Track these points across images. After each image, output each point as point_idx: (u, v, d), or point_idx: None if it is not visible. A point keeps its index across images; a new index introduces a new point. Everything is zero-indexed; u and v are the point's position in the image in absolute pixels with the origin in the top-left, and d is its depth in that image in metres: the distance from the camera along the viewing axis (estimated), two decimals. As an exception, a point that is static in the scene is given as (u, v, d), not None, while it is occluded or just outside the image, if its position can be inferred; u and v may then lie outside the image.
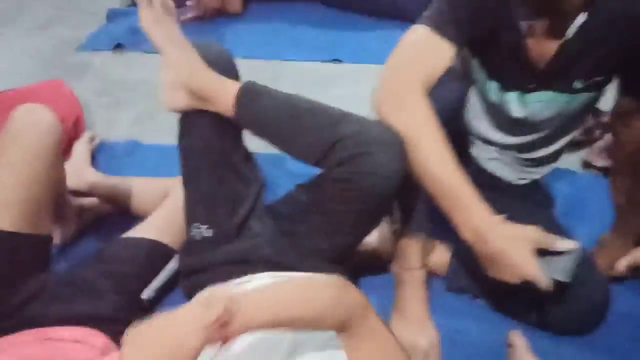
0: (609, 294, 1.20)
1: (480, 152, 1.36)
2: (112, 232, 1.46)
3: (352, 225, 1.12)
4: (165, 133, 1.88)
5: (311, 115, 1.07)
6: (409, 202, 1.19)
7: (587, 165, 1.70)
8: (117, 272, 1.23)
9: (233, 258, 1.17)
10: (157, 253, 1.30)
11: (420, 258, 1.25)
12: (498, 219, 1.02)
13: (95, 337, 1.11)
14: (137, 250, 1.28)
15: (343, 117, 1.05)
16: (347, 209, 1.06)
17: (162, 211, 1.37)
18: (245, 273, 1.15)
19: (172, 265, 1.32)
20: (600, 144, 1.70)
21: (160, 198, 1.45)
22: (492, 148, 1.34)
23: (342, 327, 0.88)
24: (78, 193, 1.53)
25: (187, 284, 1.23)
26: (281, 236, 1.18)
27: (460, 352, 1.21)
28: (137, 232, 1.32)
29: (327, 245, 1.16)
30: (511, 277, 1.02)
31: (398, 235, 1.26)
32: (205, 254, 1.19)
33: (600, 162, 1.67)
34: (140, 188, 1.54)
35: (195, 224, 1.19)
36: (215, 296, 0.77)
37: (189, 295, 1.22)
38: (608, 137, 1.68)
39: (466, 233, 1.03)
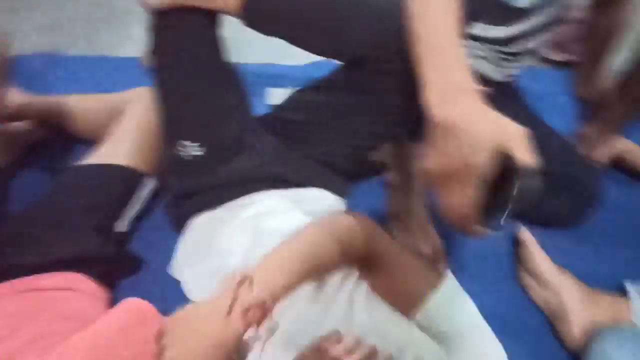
0: (602, 183, 1.23)
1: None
2: (57, 159, 1.27)
3: (388, 124, 1.02)
4: (81, 42, 1.62)
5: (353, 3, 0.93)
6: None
7: (543, 59, 1.70)
8: (90, 205, 1.05)
9: (235, 178, 1.04)
10: (129, 179, 1.14)
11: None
12: (482, 91, 0.78)
13: (80, 282, 0.97)
14: (107, 178, 1.10)
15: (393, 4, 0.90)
16: (394, 104, 0.96)
17: (124, 131, 1.18)
18: (247, 193, 1.04)
19: (145, 192, 1.17)
20: (554, 38, 1.70)
21: (108, 116, 1.25)
22: (478, 45, 1.28)
23: (361, 259, 0.86)
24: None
25: (179, 210, 1.09)
26: (285, 148, 1.07)
27: (465, 254, 1.19)
28: (100, 157, 1.13)
29: (343, 153, 1.07)
30: (452, 162, 0.74)
31: (396, 142, 1.18)
32: (199, 175, 1.04)
33: (556, 55, 1.68)
34: (82, 107, 1.32)
35: (183, 142, 1.03)
36: (228, 279, 0.73)
37: (180, 223, 1.09)
38: (562, 31, 1.68)
39: (432, 93, 0.78)
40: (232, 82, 1.08)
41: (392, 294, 0.87)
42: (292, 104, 1.15)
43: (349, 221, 0.85)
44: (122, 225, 1.11)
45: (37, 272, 0.92)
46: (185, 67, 1.01)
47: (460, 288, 0.92)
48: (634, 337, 1.02)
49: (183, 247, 1.08)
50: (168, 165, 1.09)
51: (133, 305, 0.82)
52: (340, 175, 1.13)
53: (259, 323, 0.71)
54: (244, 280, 0.72)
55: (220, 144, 1.04)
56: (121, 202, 1.12)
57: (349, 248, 0.83)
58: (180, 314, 0.71)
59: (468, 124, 0.74)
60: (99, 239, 1.04)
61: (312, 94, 1.12)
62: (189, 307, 0.73)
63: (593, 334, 1.04)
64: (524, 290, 1.15)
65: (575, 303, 1.09)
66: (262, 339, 0.77)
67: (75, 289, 0.94)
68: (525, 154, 0.70)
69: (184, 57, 1.01)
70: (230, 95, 1.06)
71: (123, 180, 1.12)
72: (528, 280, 1.15)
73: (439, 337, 0.88)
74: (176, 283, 1.07)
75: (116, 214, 1.10)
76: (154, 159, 1.17)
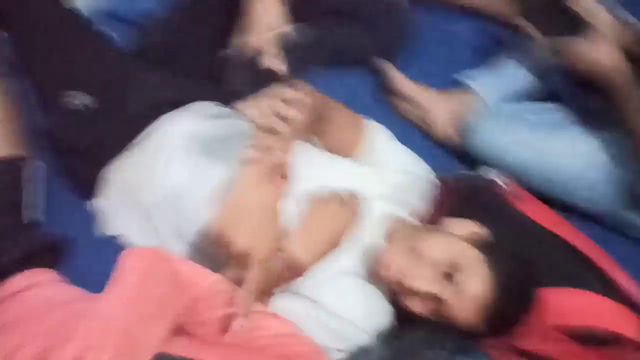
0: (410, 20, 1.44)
1: None
2: None
3: None
4: None
5: None
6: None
7: None
8: None
9: (132, 115, 1.04)
10: (14, 168, 1.05)
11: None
12: None
13: (43, 275, 0.93)
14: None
15: None
16: None
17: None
18: (149, 124, 1.06)
19: (37, 174, 1.08)
20: None
21: None
22: None
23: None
24: None
25: (87, 170, 1.06)
26: (163, 72, 1.10)
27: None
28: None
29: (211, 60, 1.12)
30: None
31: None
32: (97, 122, 1.03)
33: None
34: None
35: (67, 93, 1.00)
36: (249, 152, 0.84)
37: (91, 183, 1.07)
38: None
39: None
40: (83, 25, 1.04)
41: (337, 142, 1.03)
42: (149, 29, 1.15)
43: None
44: (30, 214, 1.04)
45: None
46: (35, 18, 0.96)
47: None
48: (488, 109, 1.30)
49: (112, 201, 1.07)
50: (61, 127, 1.04)
51: (142, 252, 0.83)
52: (215, 83, 1.18)
53: (286, 179, 0.84)
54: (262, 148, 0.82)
55: (103, 86, 1.03)
56: (17, 193, 1.04)
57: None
58: (225, 210, 0.77)
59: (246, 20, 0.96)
60: (23, 237, 0.98)
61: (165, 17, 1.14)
62: (225, 204, 0.80)
63: (461, 123, 1.29)
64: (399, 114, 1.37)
65: (437, 107, 1.33)
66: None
67: (46, 280, 0.90)
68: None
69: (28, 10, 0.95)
70: (90, 36, 1.03)
71: (6, 171, 1.03)
72: (399, 103, 1.36)
73: (375, 164, 1.08)
74: (103, 250, 1.07)
75: (23, 205, 1.03)
76: (22, 140, 1.08)
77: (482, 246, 0.89)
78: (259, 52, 0.92)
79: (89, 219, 1.12)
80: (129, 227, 1.06)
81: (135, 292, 0.78)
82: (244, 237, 0.77)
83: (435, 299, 0.87)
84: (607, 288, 0.99)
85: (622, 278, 1.03)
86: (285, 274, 0.89)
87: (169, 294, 0.80)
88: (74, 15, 1.02)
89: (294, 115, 0.86)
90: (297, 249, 0.88)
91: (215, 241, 0.79)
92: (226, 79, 0.96)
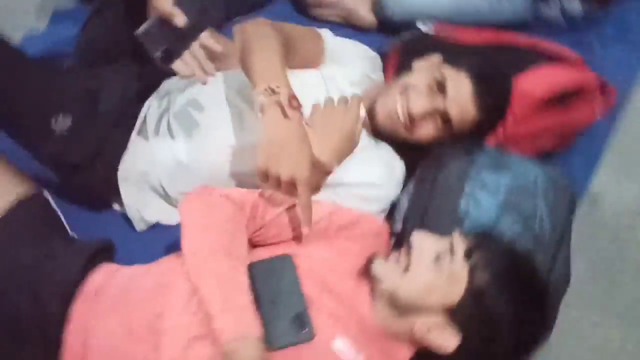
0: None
1: None
2: None
3: None
4: None
5: None
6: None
7: None
8: (34, 247, 1.01)
9: (116, 115, 1.12)
10: (43, 201, 1.11)
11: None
12: None
13: (110, 267, 0.99)
14: (27, 216, 1.05)
15: None
16: None
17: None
18: (135, 117, 1.14)
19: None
20: None
21: None
22: None
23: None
24: None
25: (102, 179, 1.13)
26: (121, 69, 1.18)
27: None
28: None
29: None
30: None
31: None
32: (85, 136, 1.09)
33: None
34: None
35: (54, 118, 1.05)
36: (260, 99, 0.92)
37: (110, 189, 1.14)
38: None
39: None
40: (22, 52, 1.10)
41: (305, 58, 1.15)
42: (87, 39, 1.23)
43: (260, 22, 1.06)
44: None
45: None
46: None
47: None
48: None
49: (134, 199, 1.15)
50: (58, 152, 1.10)
51: (192, 194, 0.94)
52: None
53: (299, 108, 0.92)
54: (270, 89, 0.91)
55: (77, 100, 1.09)
56: (56, 220, 1.11)
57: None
58: (263, 154, 0.87)
59: None
60: (80, 244, 1.05)
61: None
62: (261, 149, 0.88)
63: (379, 4, 1.44)
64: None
65: (356, 1, 1.46)
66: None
67: (118, 267, 0.99)
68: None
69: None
70: (37, 62, 1.10)
71: (39, 206, 1.09)
72: (319, 12, 1.48)
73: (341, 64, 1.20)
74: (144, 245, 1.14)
75: (60, 232, 1.10)
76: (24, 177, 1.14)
77: (450, 61, 1.04)
78: (166, 16, 0.99)
79: (113, 224, 1.19)
80: (165, 211, 1.14)
81: (207, 220, 0.88)
82: (287, 168, 0.86)
83: (439, 112, 1.01)
84: (555, 60, 1.18)
85: (561, 50, 1.22)
86: (319, 177, 0.99)
87: (232, 211, 0.90)
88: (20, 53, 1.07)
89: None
90: (319, 154, 0.97)
91: (263, 179, 0.89)
92: (148, 52, 1.03)
